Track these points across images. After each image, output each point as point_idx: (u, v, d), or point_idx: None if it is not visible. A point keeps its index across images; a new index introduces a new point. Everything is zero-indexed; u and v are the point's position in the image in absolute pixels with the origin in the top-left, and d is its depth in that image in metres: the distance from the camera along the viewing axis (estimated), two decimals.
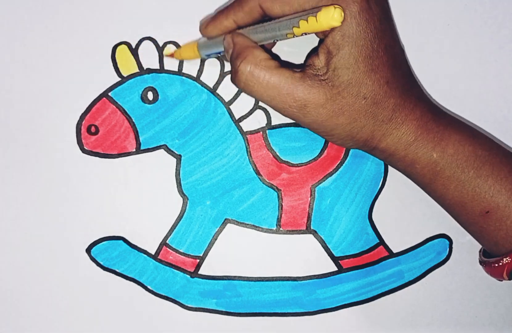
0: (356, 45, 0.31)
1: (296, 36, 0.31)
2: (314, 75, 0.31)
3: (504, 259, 0.33)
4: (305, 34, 0.30)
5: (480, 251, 0.36)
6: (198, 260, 0.39)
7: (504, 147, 0.34)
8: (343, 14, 0.29)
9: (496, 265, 0.33)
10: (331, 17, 0.29)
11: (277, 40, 0.32)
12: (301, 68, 0.32)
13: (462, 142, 0.33)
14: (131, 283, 0.39)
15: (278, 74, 0.31)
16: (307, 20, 0.30)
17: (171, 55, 0.38)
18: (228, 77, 0.38)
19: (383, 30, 0.31)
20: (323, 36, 0.32)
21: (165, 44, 0.38)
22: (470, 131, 0.34)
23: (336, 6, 0.29)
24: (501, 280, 0.34)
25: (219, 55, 0.36)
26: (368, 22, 0.31)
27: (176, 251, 0.39)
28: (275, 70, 0.31)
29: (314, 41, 0.36)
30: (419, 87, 0.35)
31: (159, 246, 0.39)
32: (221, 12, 0.34)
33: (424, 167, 0.33)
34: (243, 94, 0.38)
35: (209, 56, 0.36)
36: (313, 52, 0.33)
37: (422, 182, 0.34)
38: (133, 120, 0.38)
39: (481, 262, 0.35)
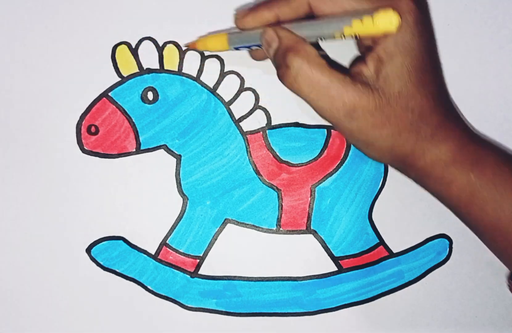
0: (409, 56, 0.30)
1: (343, 38, 0.30)
2: (364, 82, 0.31)
3: None
4: (354, 37, 0.29)
5: (509, 279, 0.36)
6: (198, 260, 0.39)
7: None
8: (400, 20, 0.28)
9: None
10: (389, 21, 0.28)
11: (322, 40, 0.31)
12: (348, 73, 0.31)
13: (499, 163, 0.32)
14: (131, 283, 0.39)
15: (330, 74, 0.30)
16: (361, 20, 0.28)
17: (193, 45, 0.37)
18: (228, 77, 0.38)
19: (433, 45, 0.31)
20: (372, 43, 0.31)
21: (165, 44, 0.38)
22: (506, 153, 0.34)
23: (394, 11, 0.28)
24: None
25: (249, 48, 0.34)
26: (421, 34, 0.30)
27: (176, 251, 0.39)
28: (326, 69, 0.30)
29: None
30: (455, 107, 0.35)
31: (159, 246, 0.39)
32: (264, 4, 0.33)
33: (461, 189, 0.32)
34: (243, 94, 0.38)
35: (237, 48, 0.35)
36: (359, 60, 0.32)
37: (457, 204, 0.33)
38: (133, 120, 0.38)
39: (510, 287, 0.35)
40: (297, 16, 0.32)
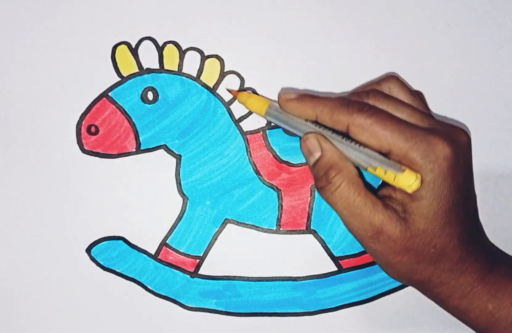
0: (437, 198, 0.31)
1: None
2: (393, 210, 0.31)
3: None
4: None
5: None
6: (198, 260, 0.39)
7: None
8: (419, 184, 0.30)
9: None
10: (408, 183, 0.30)
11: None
12: (376, 194, 0.33)
13: None
14: (131, 283, 0.39)
15: (365, 196, 0.31)
16: (385, 172, 0.31)
17: (236, 92, 0.37)
18: (229, 77, 0.38)
19: (464, 183, 0.31)
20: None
21: (165, 44, 0.38)
22: None
23: (418, 176, 0.30)
24: None
25: (280, 127, 0.35)
26: (453, 178, 0.31)
27: (176, 251, 0.39)
28: (363, 190, 0.31)
29: None
30: (484, 233, 0.35)
31: (159, 246, 0.39)
32: (311, 99, 0.33)
33: (478, 317, 0.32)
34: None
35: (271, 122, 0.36)
36: (389, 184, 0.32)
37: (476, 329, 0.34)
38: (133, 120, 0.38)
39: None
40: (333, 128, 0.33)
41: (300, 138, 0.33)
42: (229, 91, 0.37)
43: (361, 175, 0.33)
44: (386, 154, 0.31)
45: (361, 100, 0.32)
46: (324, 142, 0.32)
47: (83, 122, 0.38)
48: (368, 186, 0.32)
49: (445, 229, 0.31)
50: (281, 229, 0.39)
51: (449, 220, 0.31)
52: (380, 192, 0.33)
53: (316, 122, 0.33)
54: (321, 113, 0.32)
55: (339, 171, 0.31)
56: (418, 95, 0.34)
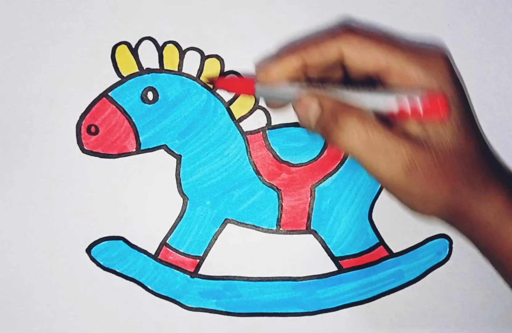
0: (455, 111, 0.30)
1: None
2: (416, 139, 0.30)
3: None
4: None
5: None
6: (198, 260, 0.39)
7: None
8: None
9: None
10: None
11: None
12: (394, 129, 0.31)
13: None
14: (131, 283, 0.39)
15: (385, 132, 0.30)
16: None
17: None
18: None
19: (466, 95, 0.31)
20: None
21: (165, 44, 0.38)
22: None
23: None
24: None
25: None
26: (458, 88, 0.30)
27: (176, 251, 0.39)
28: (379, 125, 0.30)
29: None
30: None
31: (159, 246, 0.39)
32: (289, 50, 0.32)
33: None
34: (243, 94, 0.38)
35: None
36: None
37: (510, 259, 0.32)
38: (133, 120, 0.38)
39: None
40: (326, 65, 0.31)
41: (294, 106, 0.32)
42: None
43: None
44: (383, 80, 0.31)
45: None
46: (320, 96, 0.31)
47: (83, 122, 0.38)
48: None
49: (468, 140, 0.30)
50: (281, 229, 0.39)
51: (468, 131, 0.30)
52: (396, 129, 0.31)
53: (307, 81, 0.32)
54: (307, 54, 0.31)
55: (346, 112, 0.30)
56: None
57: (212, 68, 0.38)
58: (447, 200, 0.31)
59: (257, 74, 0.32)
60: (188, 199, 0.38)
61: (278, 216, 0.39)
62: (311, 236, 0.39)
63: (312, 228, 0.39)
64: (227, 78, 0.36)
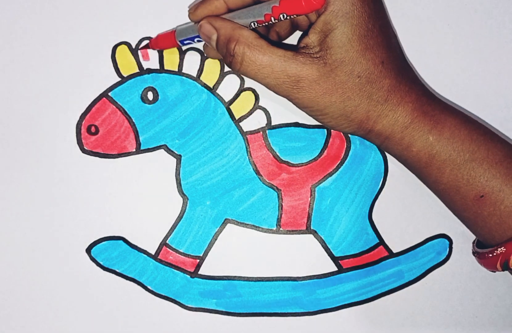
0: (350, 24, 0.31)
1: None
2: (306, 54, 0.32)
3: (499, 249, 0.32)
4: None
5: (473, 242, 0.36)
6: (198, 260, 0.39)
7: (496, 133, 0.34)
8: None
9: (490, 255, 0.33)
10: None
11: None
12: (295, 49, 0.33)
13: (457, 125, 0.33)
14: (131, 283, 0.39)
15: (271, 53, 0.32)
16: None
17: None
18: (229, 77, 0.38)
19: (377, 11, 0.32)
20: (317, 14, 0.32)
21: None
22: (464, 116, 0.34)
23: None
24: (494, 272, 0.34)
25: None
26: (362, 2, 0.31)
27: (176, 251, 0.39)
28: (267, 48, 0.32)
29: None
30: (413, 71, 0.35)
31: (159, 246, 0.39)
32: None
33: (420, 150, 0.33)
34: (243, 94, 0.38)
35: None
36: (303, 35, 0.33)
37: (417, 166, 0.34)
38: (133, 120, 0.38)
39: (474, 253, 0.35)
40: (244, 2, 0.33)
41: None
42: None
43: (262, 37, 0.33)
44: None
45: None
46: (216, 21, 0.33)
47: (83, 122, 0.38)
48: (277, 45, 0.32)
49: (365, 55, 0.31)
50: (281, 229, 0.39)
51: (368, 45, 0.31)
52: (298, 46, 0.33)
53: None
54: None
55: (237, 41, 0.32)
56: None
57: (212, 68, 0.38)
58: (341, 111, 0.32)
59: (188, 15, 0.35)
60: (188, 199, 0.38)
61: (278, 216, 0.39)
62: (311, 236, 0.39)
63: (312, 228, 0.39)
64: (154, 38, 0.37)
